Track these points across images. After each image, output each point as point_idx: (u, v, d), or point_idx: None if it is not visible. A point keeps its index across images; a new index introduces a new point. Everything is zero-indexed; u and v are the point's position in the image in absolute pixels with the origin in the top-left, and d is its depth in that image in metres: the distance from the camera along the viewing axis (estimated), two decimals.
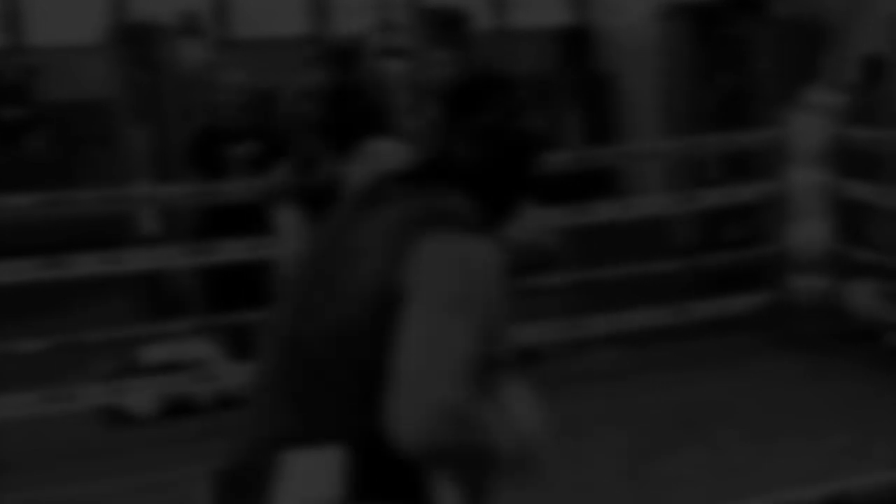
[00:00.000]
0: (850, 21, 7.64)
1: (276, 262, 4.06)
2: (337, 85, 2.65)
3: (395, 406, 1.63)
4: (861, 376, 5.54)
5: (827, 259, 6.11)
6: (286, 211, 3.46)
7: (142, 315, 6.71)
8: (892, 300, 5.92)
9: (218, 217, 5.76)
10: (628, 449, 4.67)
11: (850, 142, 6.06)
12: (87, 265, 5.05)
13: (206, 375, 5.25)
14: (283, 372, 1.82)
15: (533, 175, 1.99)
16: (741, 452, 4.64)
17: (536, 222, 2.79)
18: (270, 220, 4.52)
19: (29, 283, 5.06)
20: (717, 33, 7.83)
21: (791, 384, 5.50)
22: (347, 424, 1.72)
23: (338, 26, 10.19)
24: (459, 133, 1.92)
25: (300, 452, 1.72)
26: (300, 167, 3.19)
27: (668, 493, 4.29)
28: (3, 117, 9.52)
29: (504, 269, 1.83)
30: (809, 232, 6.12)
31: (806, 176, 6.10)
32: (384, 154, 2.88)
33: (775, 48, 7.60)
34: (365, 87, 2.70)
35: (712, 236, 7.39)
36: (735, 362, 5.87)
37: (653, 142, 8.44)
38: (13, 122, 9.46)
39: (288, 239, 3.38)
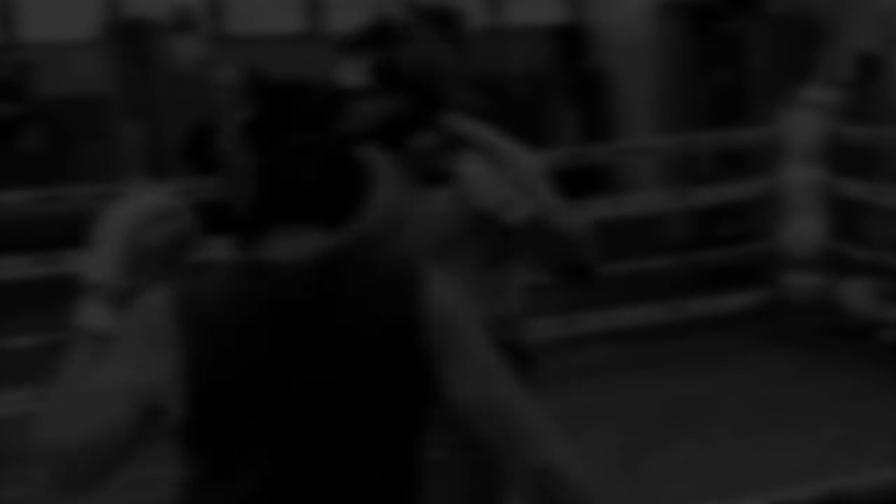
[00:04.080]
0: (843, 18, 7.64)
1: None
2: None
3: (551, 451, 1.69)
4: (854, 373, 5.55)
5: (821, 256, 6.12)
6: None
7: None
8: (887, 298, 5.93)
9: (211, 214, 5.75)
10: (622, 444, 4.68)
11: (845, 139, 6.07)
12: (81, 261, 5.03)
13: None
14: (289, 487, 1.63)
15: (369, 171, 1.76)
16: (734, 447, 4.66)
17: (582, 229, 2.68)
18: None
19: (22, 279, 5.05)
20: (711, 30, 7.84)
21: (784, 380, 5.51)
22: None
23: (332, 23, 10.18)
24: (279, 157, 1.64)
25: None
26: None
27: (661, 487, 4.30)
28: None
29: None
30: (804, 229, 6.13)
31: (801, 173, 6.11)
32: None
33: (769, 45, 7.60)
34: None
35: (707, 233, 7.40)
36: (729, 359, 5.88)
37: (648, 138, 8.44)
38: (7, 118, 9.43)
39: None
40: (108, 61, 7.71)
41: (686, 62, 7.93)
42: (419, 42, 2.55)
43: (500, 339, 2.68)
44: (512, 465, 1.67)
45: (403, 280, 1.66)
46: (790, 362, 5.77)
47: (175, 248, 1.76)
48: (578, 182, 8.20)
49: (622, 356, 5.94)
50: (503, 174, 2.41)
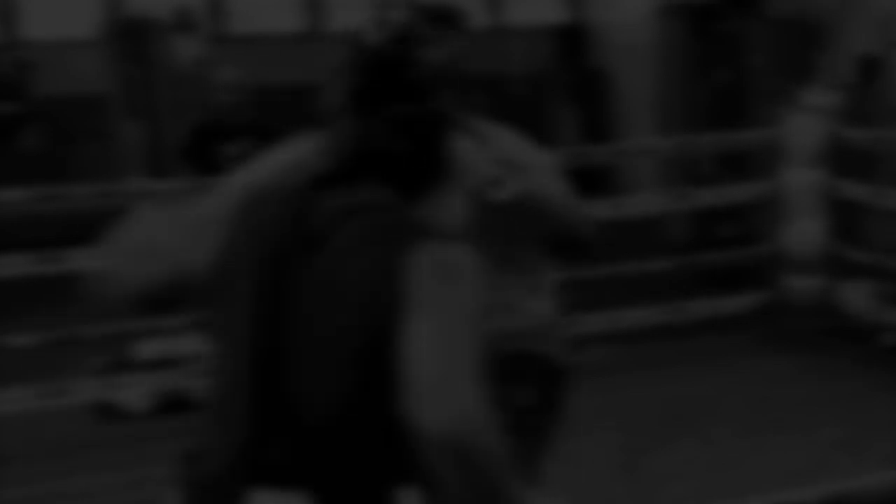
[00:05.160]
0: (843, 20, 7.65)
1: None
2: None
3: (422, 405, 1.59)
4: (854, 375, 5.55)
5: (821, 258, 6.12)
6: None
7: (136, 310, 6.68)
8: (887, 300, 5.93)
9: None
10: (622, 444, 4.68)
11: (846, 141, 6.07)
12: (81, 260, 5.04)
13: (200, 371, 5.24)
14: (252, 402, 1.73)
15: (446, 152, 1.86)
16: (734, 448, 4.66)
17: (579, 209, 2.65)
18: None
19: (22, 277, 5.05)
20: (711, 30, 7.84)
21: (784, 382, 5.51)
22: (318, 469, 1.68)
23: (332, 22, 10.18)
24: (376, 126, 1.77)
25: (264, 493, 1.68)
26: None
27: (661, 488, 4.30)
28: None
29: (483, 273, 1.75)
30: (804, 231, 6.13)
31: (801, 175, 6.11)
32: None
33: (770, 46, 7.61)
34: None
35: (707, 234, 7.40)
36: (729, 360, 5.88)
37: (648, 139, 8.44)
38: (7, 116, 9.44)
39: None
40: (108, 61, 7.71)
41: (686, 63, 7.93)
42: (443, 45, 2.55)
43: (530, 350, 2.60)
44: (417, 426, 1.60)
45: (406, 226, 1.73)
46: (790, 364, 5.77)
47: None
48: (578, 183, 8.21)
49: (622, 356, 5.93)
50: (489, 153, 2.40)
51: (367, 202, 1.75)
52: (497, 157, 2.41)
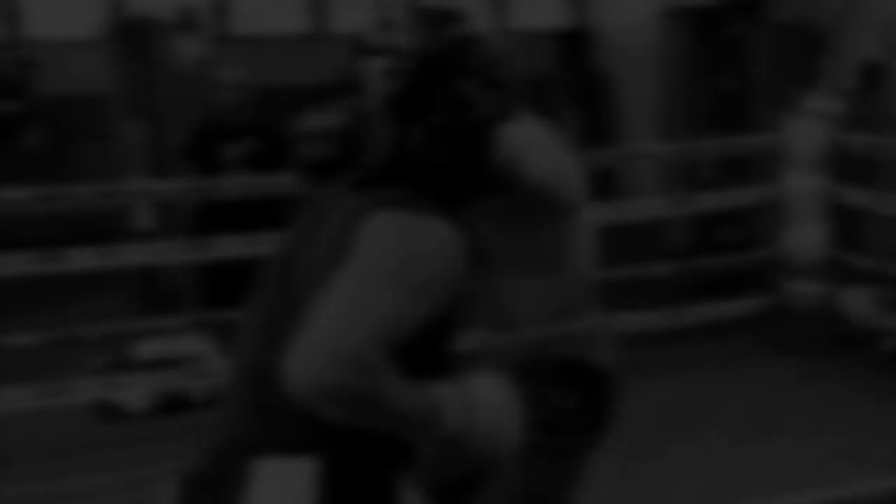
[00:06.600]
0: (845, 27, 7.65)
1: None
2: None
3: (295, 348, 1.55)
4: (855, 381, 5.55)
5: (823, 264, 6.12)
6: None
7: (136, 310, 6.69)
8: (888, 306, 5.93)
9: (214, 213, 5.75)
10: (621, 448, 4.67)
11: (847, 147, 6.07)
12: (81, 260, 5.04)
13: (200, 371, 5.24)
14: (254, 377, 1.77)
15: (486, 164, 1.84)
16: (734, 453, 4.66)
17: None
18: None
19: (23, 277, 5.05)
20: (715, 35, 7.84)
21: (785, 387, 5.51)
22: (319, 434, 1.68)
23: (336, 23, 10.18)
24: (413, 132, 1.76)
25: (271, 461, 1.69)
26: None
27: (661, 491, 4.30)
28: None
29: (463, 251, 1.72)
30: (805, 237, 6.13)
31: (802, 181, 6.11)
32: None
33: (773, 51, 7.61)
34: None
35: (708, 239, 7.39)
36: (729, 365, 5.88)
37: (651, 144, 8.44)
38: (9, 115, 9.43)
39: None
40: (110, 60, 7.70)
41: (689, 67, 7.93)
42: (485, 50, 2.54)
43: (575, 354, 2.55)
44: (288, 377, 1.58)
45: (388, 197, 1.74)
46: (791, 369, 5.76)
47: None
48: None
49: (623, 360, 5.92)
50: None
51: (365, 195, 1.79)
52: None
